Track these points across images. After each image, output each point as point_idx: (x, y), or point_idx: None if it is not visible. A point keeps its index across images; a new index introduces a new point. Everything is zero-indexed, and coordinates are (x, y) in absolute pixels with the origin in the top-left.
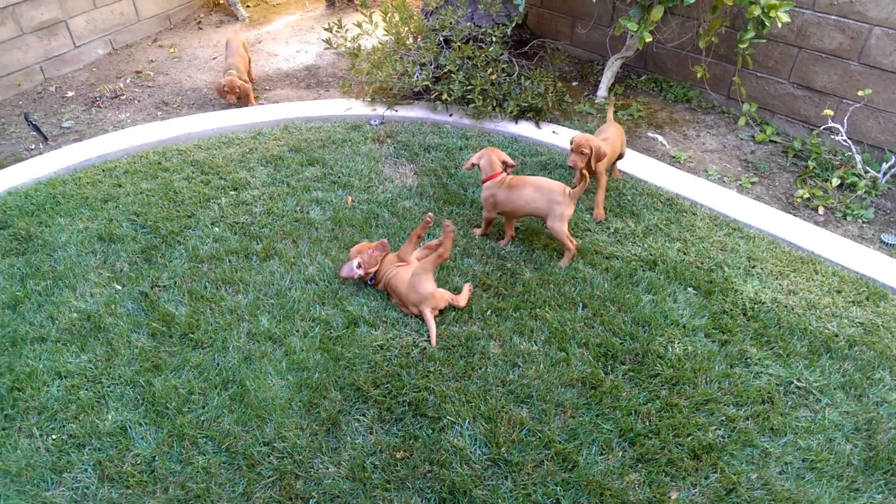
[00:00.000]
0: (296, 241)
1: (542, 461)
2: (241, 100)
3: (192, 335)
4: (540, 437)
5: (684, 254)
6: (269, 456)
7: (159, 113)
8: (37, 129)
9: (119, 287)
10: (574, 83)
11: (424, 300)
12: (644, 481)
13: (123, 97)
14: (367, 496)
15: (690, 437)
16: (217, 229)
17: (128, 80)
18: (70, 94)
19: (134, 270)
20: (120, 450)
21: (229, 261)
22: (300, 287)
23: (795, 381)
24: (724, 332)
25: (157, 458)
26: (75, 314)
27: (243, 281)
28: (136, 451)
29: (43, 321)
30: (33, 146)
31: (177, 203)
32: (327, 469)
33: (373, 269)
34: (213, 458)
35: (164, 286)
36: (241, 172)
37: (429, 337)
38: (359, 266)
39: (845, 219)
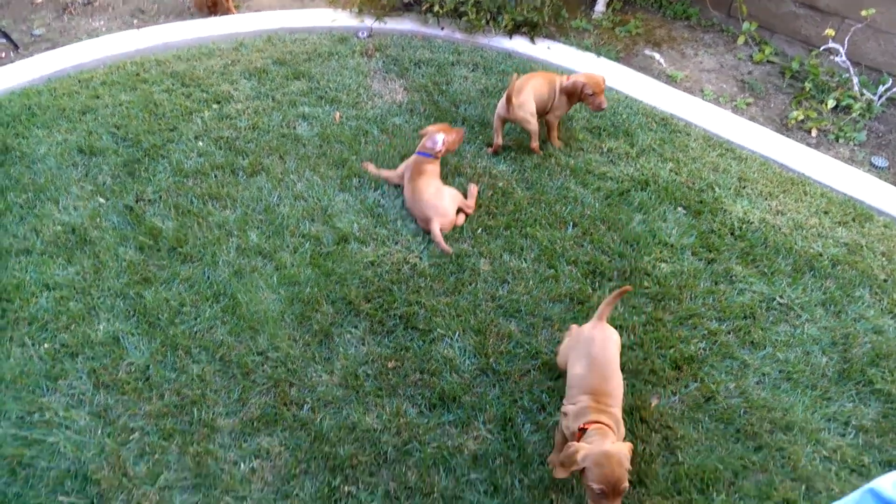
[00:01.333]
0: (283, 157)
1: (529, 370)
2: (218, 8)
3: (180, 249)
4: (527, 349)
5: (676, 174)
6: (262, 365)
7: (135, 21)
8: (6, 36)
9: (103, 200)
10: None
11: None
12: (627, 391)
13: (97, 3)
14: (359, 402)
15: (673, 350)
16: (201, 143)
17: None
18: None
19: (117, 184)
20: (113, 359)
21: (215, 176)
22: (289, 203)
23: (778, 298)
24: (710, 251)
25: (151, 367)
26: (59, 227)
27: (230, 196)
28: (129, 360)
29: (27, 234)
30: (3, 55)
31: (158, 116)
32: (320, 377)
33: (448, 151)
34: (207, 366)
35: (150, 200)
36: (224, 85)
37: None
38: (443, 142)
39: (837, 141)
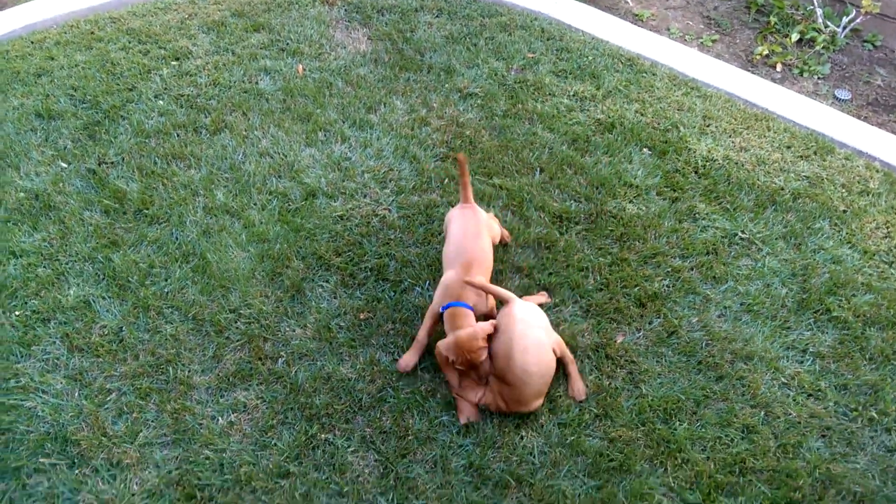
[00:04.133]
0: (246, 114)
1: None
2: None
3: (146, 211)
4: None
5: (642, 115)
6: (235, 322)
7: None
8: None
9: (65, 165)
10: None
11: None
12: (593, 329)
13: None
14: (333, 353)
15: (637, 288)
16: (161, 102)
17: None
18: None
19: (78, 147)
20: (86, 322)
21: (177, 135)
22: (254, 160)
23: (740, 233)
24: (675, 190)
25: (124, 329)
26: (22, 194)
27: (194, 155)
28: (102, 323)
29: None
30: None
31: (115, 76)
32: (294, 331)
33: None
34: (180, 326)
35: (112, 163)
36: (182, 41)
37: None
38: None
39: (802, 75)
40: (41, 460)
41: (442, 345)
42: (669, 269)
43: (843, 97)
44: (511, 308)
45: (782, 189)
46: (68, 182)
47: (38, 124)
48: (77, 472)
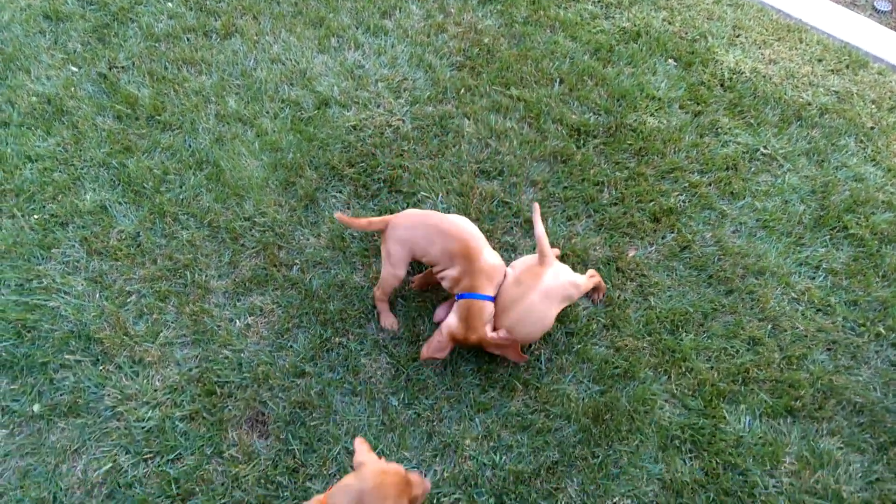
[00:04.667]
0: (256, 17)
1: (511, 227)
2: None
3: (158, 117)
4: (510, 207)
5: (669, 24)
6: (250, 230)
7: None
8: None
9: (75, 69)
10: None
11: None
12: (605, 243)
13: None
14: (346, 262)
15: (652, 203)
16: (170, 5)
17: None
18: None
19: (88, 51)
20: (103, 227)
21: (187, 39)
22: (266, 67)
23: (762, 149)
24: (698, 104)
25: (140, 234)
26: (34, 98)
27: (205, 61)
28: (119, 228)
29: (2, 105)
30: None
31: None
32: (308, 240)
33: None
34: (196, 232)
35: (123, 67)
36: None
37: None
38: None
39: None
40: (66, 357)
41: (445, 326)
42: (687, 185)
43: (882, 8)
44: (541, 270)
45: (809, 104)
46: (80, 87)
47: (46, 26)
48: (101, 368)
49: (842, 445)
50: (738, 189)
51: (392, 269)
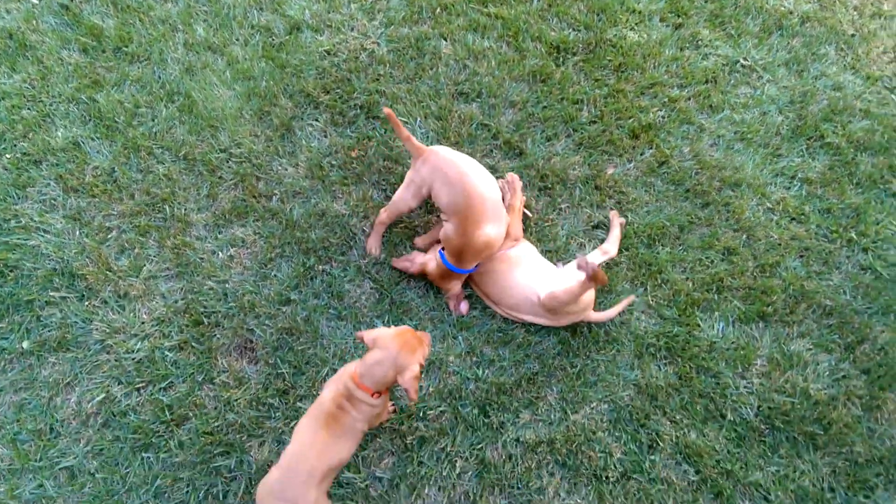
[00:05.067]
0: None
1: (491, 150)
2: None
3: (125, 49)
4: (489, 130)
5: None
6: (227, 161)
7: None
8: None
9: (35, 1)
10: None
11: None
12: (584, 161)
13: None
14: (326, 191)
15: (632, 119)
16: None
17: None
18: None
19: None
20: (78, 164)
21: None
22: None
23: (741, 60)
24: (679, 16)
25: (116, 169)
26: None
27: None
28: (94, 164)
29: None
30: None
31: None
32: (286, 170)
33: None
34: (171, 166)
35: None
36: None
37: None
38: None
39: None
40: (51, 294)
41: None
42: (666, 100)
43: None
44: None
45: (791, 13)
46: (41, 19)
47: None
48: (87, 303)
49: (811, 346)
50: (717, 102)
51: (406, 197)
